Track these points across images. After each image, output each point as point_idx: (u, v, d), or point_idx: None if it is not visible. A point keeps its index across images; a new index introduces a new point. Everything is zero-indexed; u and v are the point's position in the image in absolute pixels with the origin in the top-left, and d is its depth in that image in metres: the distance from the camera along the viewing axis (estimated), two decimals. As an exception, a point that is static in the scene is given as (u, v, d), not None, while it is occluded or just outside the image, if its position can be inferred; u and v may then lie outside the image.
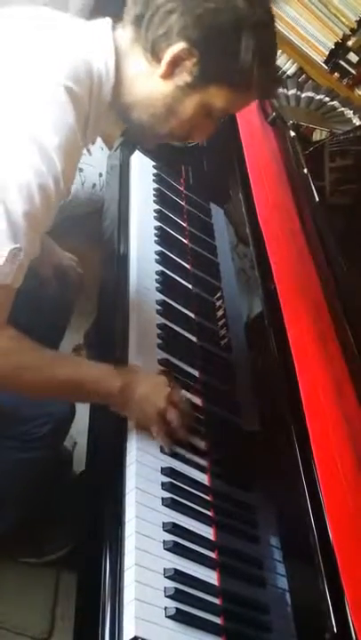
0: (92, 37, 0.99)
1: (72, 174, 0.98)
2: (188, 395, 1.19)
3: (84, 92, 0.96)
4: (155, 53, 0.98)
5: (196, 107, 1.01)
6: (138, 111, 1.03)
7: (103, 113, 1.02)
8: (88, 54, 0.97)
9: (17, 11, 1.02)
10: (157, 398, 1.09)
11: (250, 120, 1.62)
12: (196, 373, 1.26)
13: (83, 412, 1.22)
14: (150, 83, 1.00)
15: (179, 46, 0.95)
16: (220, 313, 1.40)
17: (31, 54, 0.95)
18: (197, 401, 1.21)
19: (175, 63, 0.97)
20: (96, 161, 2.06)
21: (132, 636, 0.84)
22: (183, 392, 1.16)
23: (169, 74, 0.98)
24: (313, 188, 1.37)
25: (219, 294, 1.44)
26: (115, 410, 1.10)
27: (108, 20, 1.02)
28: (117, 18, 1.03)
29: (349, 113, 1.78)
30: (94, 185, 2.06)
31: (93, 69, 0.97)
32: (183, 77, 0.98)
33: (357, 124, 1.73)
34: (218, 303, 1.42)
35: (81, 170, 2.02)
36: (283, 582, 1.00)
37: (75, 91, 0.94)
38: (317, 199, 1.35)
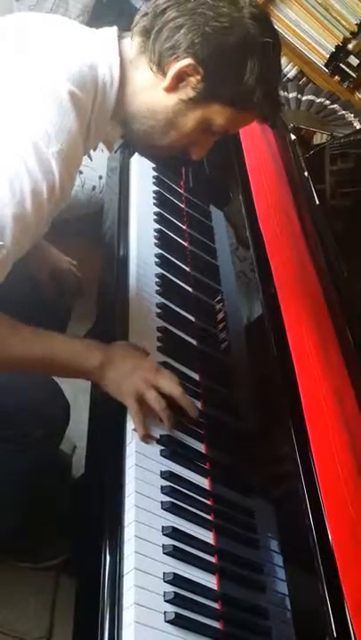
0: (99, 45, 1.00)
1: (71, 181, 0.98)
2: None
3: (88, 98, 0.97)
4: (160, 66, 0.99)
5: (197, 122, 1.02)
6: (139, 121, 1.04)
7: (106, 120, 1.02)
8: (94, 61, 0.98)
9: (25, 16, 1.03)
10: (137, 378, 1.07)
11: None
12: (196, 376, 1.26)
13: (82, 415, 1.22)
14: (154, 94, 1.01)
15: (185, 62, 0.96)
16: (220, 316, 1.40)
17: (37, 58, 0.95)
18: (197, 404, 1.21)
19: (180, 78, 0.98)
20: (96, 163, 2.06)
21: (131, 641, 0.84)
22: (175, 378, 1.12)
23: (173, 87, 0.99)
24: (313, 190, 1.37)
25: (219, 297, 1.44)
26: (95, 383, 1.09)
27: (114, 29, 1.03)
28: (121, 27, 1.04)
29: (350, 116, 1.78)
30: (94, 187, 2.05)
31: (99, 77, 0.98)
32: (187, 92, 0.99)
33: (358, 127, 1.73)
34: (218, 306, 1.42)
35: (81, 172, 2.02)
36: (282, 587, 0.99)
37: (79, 97, 0.94)
38: (318, 202, 1.35)
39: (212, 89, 0.99)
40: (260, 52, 0.97)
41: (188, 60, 0.96)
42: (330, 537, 0.86)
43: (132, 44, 1.01)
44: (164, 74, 0.99)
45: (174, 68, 0.97)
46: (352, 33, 2.51)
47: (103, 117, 1.01)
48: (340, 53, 2.52)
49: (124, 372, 1.08)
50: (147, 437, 1.06)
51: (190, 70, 0.97)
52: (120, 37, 1.02)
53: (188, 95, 0.99)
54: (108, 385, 1.08)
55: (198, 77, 0.97)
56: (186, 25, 0.95)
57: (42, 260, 1.44)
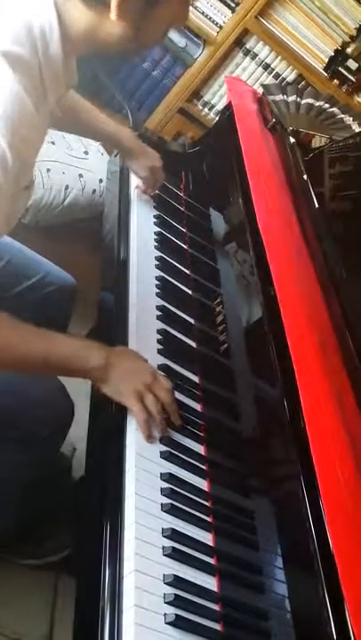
0: None
1: (27, 143, 0.97)
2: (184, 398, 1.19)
3: (28, 50, 0.95)
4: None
5: (164, 16, 1.01)
6: (110, 49, 1.04)
7: (60, 65, 1.01)
8: (26, 14, 0.96)
9: None
10: (136, 380, 1.08)
11: (250, 126, 1.62)
12: (196, 379, 1.26)
13: (82, 417, 1.22)
14: (108, 27, 0.99)
15: None
16: (219, 318, 1.40)
17: None
18: (197, 406, 1.21)
19: (122, 2, 0.96)
20: (96, 167, 2.07)
21: (132, 643, 0.84)
22: (170, 385, 1.13)
23: (122, 13, 0.97)
24: (313, 194, 1.37)
25: (218, 300, 1.44)
26: (95, 383, 1.09)
27: None
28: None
29: (349, 119, 1.79)
30: (94, 191, 2.06)
31: (34, 27, 0.96)
32: (135, 7, 0.97)
33: (357, 130, 1.73)
34: (217, 309, 1.42)
35: (81, 175, 2.03)
36: (282, 588, 0.99)
37: (15, 53, 0.93)
38: (317, 205, 1.35)
39: None
40: None
41: None
42: (330, 539, 0.86)
43: None
44: (105, 4, 0.96)
45: None
46: (351, 37, 2.51)
47: (55, 63, 0.99)
48: (338, 57, 2.52)
49: (124, 373, 1.09)
50: (150, 437, 1.07)
51: None
52: None
53: (139, 6, 0.97)
54: (109, 385, 1.09)
55: None
56: None
57: (143, 159, 1.53)
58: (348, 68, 2.54)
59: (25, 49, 0.94)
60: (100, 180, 2.05)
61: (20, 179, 0.99)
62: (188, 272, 1.49)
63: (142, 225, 1.51)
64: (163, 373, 1.20)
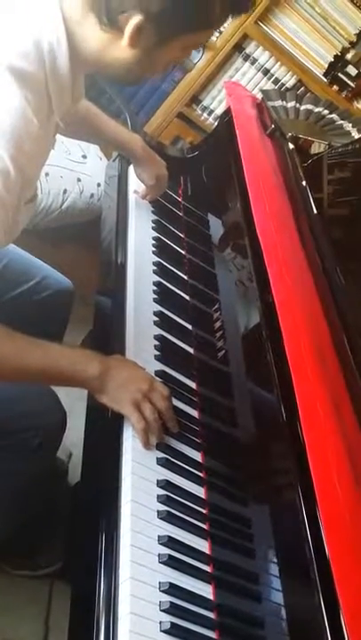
0: (40, 10, 0.98)
1: (31, 158, 0.97)
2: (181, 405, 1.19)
3: (35, 65, 0.96)
4: (112, 24, 0.98)
5: (169, 54, 1.04)
6: (113, 72, 1.05)
7: (66, 80, 1.01)
8: (35, 28, 0.97)
9: None
10: (134, 388, 1.08)
11: (249, 132, 1.62)
12: (193, 385, 1.26)
13: (78, 422, 1.21)
14: (118, 50, 1.01)
15: (137, 19, 0.95)
16: (217, 324, 1.40)
17: None
18: (194, 413, 1.21)
19: (137, 32, 0.97)
20: (94, 171, 2.07)
21: (127, 651, 0.84)
22: (167, 392, 1.13)
23: (133, 42, 0.99)
24: (311, 199, 1.37)
25: (216, 306, 1.44)
26: (92, 392, 1.09)
27: None
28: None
29: (348, 126, 1.79)
30: (92, 195, 2.06)
31: (42, 41, 0.97)
32: (149, 39, 0.99)
33: (356, 136, 1.73)
34: (215, 315, 1.42)
35: (79, 180, 2.03)
36: (278, 597, 0.99)
37: (21, 68, 0.93)
38: (316, 211, 1.35)
39: (172, 29, 0.99)
40: None
41: (139, 17, 0.95)
42: (326, 547, 0.86)
43: (76, 2, 0.98)
44: (119, 30, 0.98)
45: (128, 26, 0.96)
46: (351, 43, 2.51)
47: (62, 78, 1.01)
48: (338, 63, 2.52)
49: (121, 382, 1.08)
50: (148, 445, 1.07)
51: (145, 23, 0.96)
52: None
53: (152, 41, 0.99)
54: (106, 394, 1.08)
55: (154, 26, 0.97)
56: None
57: (153, 167, 1.54)
58: (347, 74, 2.54)
59: (31, 64, 0.95)
60: (99, 185, 2.05)
61: (22, 193, 0.99)
62: (185, 277, 1.49)
63: (140, 230, 1.51)
64: (160, 379, 1.20)
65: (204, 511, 1.07)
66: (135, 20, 0.95)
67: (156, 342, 1.26)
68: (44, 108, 0.99)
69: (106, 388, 1.08)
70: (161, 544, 0.97)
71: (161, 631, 0.88)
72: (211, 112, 2.61)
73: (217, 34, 2.48)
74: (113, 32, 0.99)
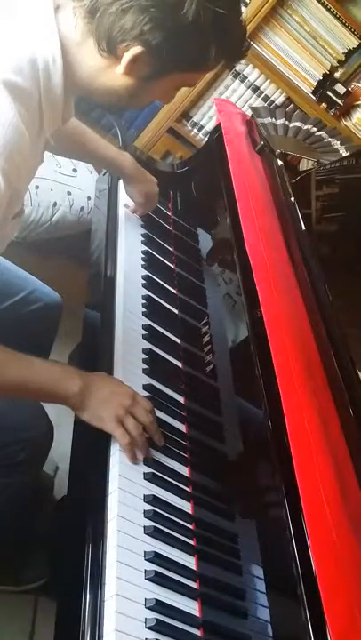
0: (37, 25, 0.98)
1: (20, 173, 0.97)
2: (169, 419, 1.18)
3: (29, 82, 0.96)
4: (110, 50, 0.98)
5: (159, 89, 1.05)
6: (102, 97, 1.06)
7: (59, 98, 1.02)
8: (30, 44, 0.97)
9: None
10: (116, 404, 1.07)
11: (238, 148, 1.63)
12: (181, 399, 1.26)
13: (65, 436, 1.20)
14: (111, 77, 1.01)
15: (136, 50, 0.96)
16: (205, 339, 1.40)
17: None
18: (182, 427, 1.20)
19: (135, 62, 0.98)
20: (84, 184, 2.07)
21: (112, 669, 0.83)
22: (150, 406, 1.13)
23: (129, 71, 0.99)
24: (299, 215, 1.38)
25: (205, 320, 1.44)
26: (73, 409, 1.08)
27: (50, 5, 0.99)
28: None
29: (336, 143, 1.80)
30: (82, 208, 2.06)
31: (37, 58, 0.97)
32: (144, 71, 1.00)
33: (344, 154, 1.75)
34: (204, 329, 1.42)
35: (69, 193, 2.03)
36: (265, 613, 0.98)
37: (16, 82, 0.93)
38: (304, 227, 1.36)
39: (168, 64, 0.99)
40: (212, 25, 0.95)
41: (139, 48, 0.96)
42: (313, 563, 0.86)
43: (76, 22, 0.98)
44: (117, 57, 0.98)
45: (127, 55, 0.97)
46: (339, 61, 2.54)
47: (54, 96, 1.01)
48: (327, 81, 2.55)
49: (103, 398, 1.08)
50: (136, 459, 1.06)
51: (143, 55, 0.97)
52: (57, 11, 0.99)
53: (146, 73, 1.00)
54: (87, 411, 1.08)
55: (151, 58, 0.97)
56: (132, 7, 0.93)
57: (143, 185, 1.55)
58: (336, 92, 2.57)
59: (26, 79, 0.95)
60: (89, 198, 2.05)
61: (9, 208, 0.99)
62: (174, 291, 1.49)
63: (130, 243, 1.51)
64: (148, 393, 1.19)
65: (190, 526, 1.06)
66: (135, 50, 0.96)
67: (145, 356, 1.26)
68: (35, 124, 0.99)
69: (86, 405, 1.07)
70: (147, 560, 0.96)
71: (147, 648, 0.87)
72: (201, 128, 2.62)
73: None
74: (110, 58, 0.99)
